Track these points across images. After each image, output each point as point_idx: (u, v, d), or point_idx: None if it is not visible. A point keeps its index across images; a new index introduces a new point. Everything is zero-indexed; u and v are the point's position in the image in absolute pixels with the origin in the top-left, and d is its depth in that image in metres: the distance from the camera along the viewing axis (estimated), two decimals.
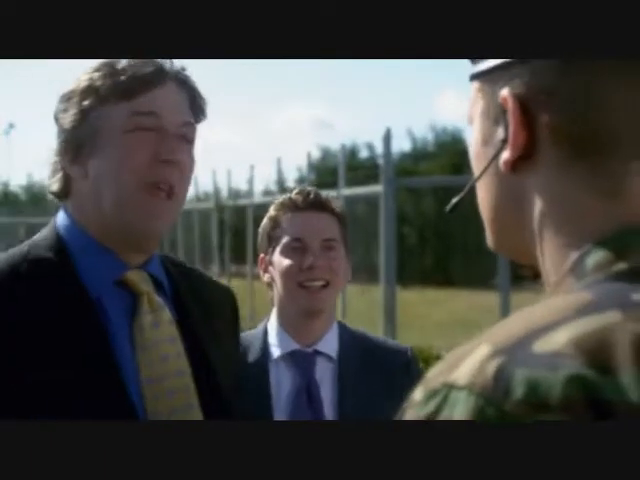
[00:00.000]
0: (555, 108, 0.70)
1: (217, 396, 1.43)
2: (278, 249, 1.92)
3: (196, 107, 1.42)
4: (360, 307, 9.10)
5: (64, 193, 1.40)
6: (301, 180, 23.04)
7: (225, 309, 1.61)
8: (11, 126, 57.10)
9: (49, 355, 1.27)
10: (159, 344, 1.37)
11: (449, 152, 28.00)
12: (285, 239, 1.91)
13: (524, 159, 0.72)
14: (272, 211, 1.96)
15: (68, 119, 1.36)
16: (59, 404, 1.23)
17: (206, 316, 1.50)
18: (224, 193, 14.18)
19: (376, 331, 7.69)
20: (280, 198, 1.98)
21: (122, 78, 1.31)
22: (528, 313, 0.64)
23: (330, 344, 1.94)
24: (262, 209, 13.45)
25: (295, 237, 1.90)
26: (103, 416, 1.24)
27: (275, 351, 1.91)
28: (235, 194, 14.70)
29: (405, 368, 1.96)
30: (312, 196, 1.93)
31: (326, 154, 32.19)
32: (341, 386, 1.89)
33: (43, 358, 1.26)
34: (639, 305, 0.61)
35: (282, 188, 12.17)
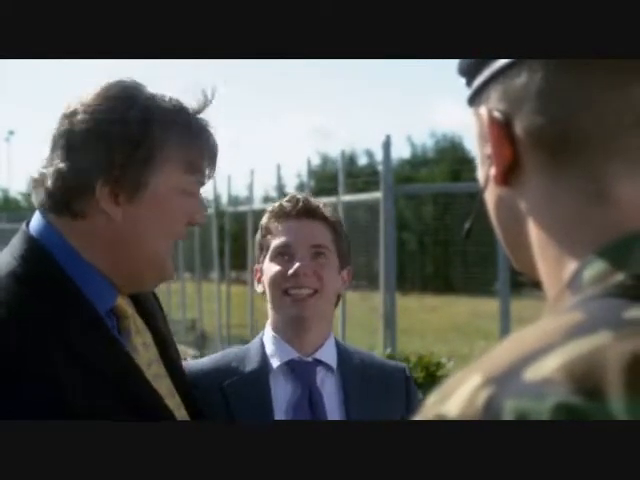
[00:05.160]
0: (526, 115, 0.70)
1: (198, 412, 1.45)
2: (267, 257, 1.90)
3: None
4: (360, 314, 9.09)
5: (76, 215, 1.32)
6: (301, 186, 23.05)
7: (160, 311, 1.59)
8: (11, 133, 57.18)
9: (89, 378, 1.23)
10: (152, 365, 1.38)
11: (449, 158, 28.02)
12: (273, 246, 1.89)
13: (512, 171, 0.72)
14: (264, 219, 1.94)
15: (125, 156, 1.29)
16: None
17: (164, 323, 1.51)
18: (224, 199, 14.18)
19: (376, 338, 7.67)
20: (271, 206, 1.95)
21: (195, 148, 1.36)
22: (520, 338, 0.63)
23: (329, 354, 1.91)
24: (262, 215, 13.42)
25: (282, 243, 1.87)
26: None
27: (274, 362, 1.87)
28: (235, 200, 14.70)
29: (404, 384, 1.95)
30: (301, 203, 1.89)
31: (326, 161, 32.23)
32: (345, 397, 1.86)
33: (83, 382, 1.22)
34: (630, 323, 0.60)
35: (282, 194, 12.16)
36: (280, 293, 1.86)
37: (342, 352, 1.94)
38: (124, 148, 1.28)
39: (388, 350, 7.07)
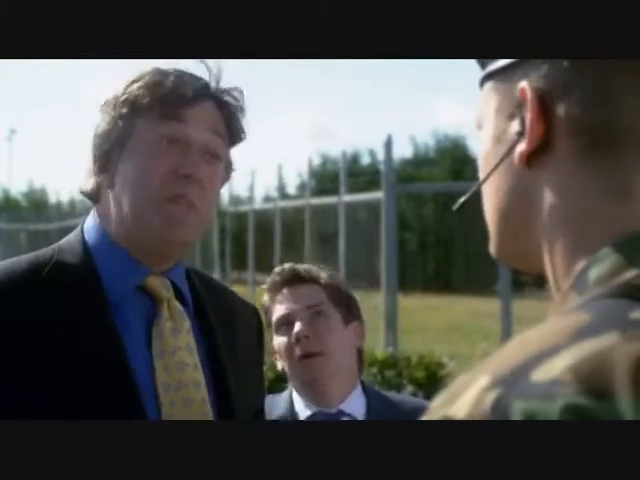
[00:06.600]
0: (572, 100, 0.69)
1: (230, 414, 1.42)
2: (273, 332, 1.92)
3: (233, 128, 1.42)
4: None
5: (95, 198, 1.42)
6: (302, 186, 23.03)
7: (251, 331, 1.59)
8: (12, 132, 57.24)
9: (62, 359, 1.26)
10: (177, 352, 1.37)
11: (450, 158, 28.04)
12: (274, 320, 1.91)
13: (539, 153, 0.71)
14: (263, 299, 1.95)
15: (100, 127, 1.37)
16: (71, 406, 1.23)
17: (229, 335, 1.48)
18: (225, 199, 14.20)
19: (377, 337, 7.68)
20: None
21: (160, 92, 1.32)
22: (526, 339, 0.63)
23: (355, 405, 1.90)
24: (263, 215, 13.49)
25: (281, 314, 1.89)
26: (115, 419, 1.24)
27: (301, 413, 1.89)
28: (236, 200, 14.71)
29: None
30: (288, 271, 1.91)
31: (327, 161, 32.23)
32: None
33: (56, 361, 1.25)
34: (637, 324, 0.59)
35: (283, 194, 12.18)
36: (293, 362, 1.87)
37: (372, 400, 1.93)
38: (101, 121, 1.38)
39: (389, 349, 7.08)
